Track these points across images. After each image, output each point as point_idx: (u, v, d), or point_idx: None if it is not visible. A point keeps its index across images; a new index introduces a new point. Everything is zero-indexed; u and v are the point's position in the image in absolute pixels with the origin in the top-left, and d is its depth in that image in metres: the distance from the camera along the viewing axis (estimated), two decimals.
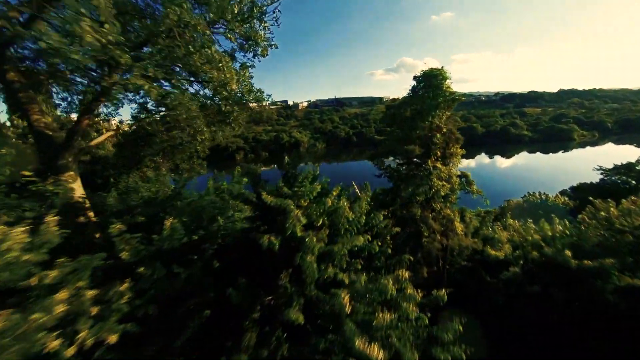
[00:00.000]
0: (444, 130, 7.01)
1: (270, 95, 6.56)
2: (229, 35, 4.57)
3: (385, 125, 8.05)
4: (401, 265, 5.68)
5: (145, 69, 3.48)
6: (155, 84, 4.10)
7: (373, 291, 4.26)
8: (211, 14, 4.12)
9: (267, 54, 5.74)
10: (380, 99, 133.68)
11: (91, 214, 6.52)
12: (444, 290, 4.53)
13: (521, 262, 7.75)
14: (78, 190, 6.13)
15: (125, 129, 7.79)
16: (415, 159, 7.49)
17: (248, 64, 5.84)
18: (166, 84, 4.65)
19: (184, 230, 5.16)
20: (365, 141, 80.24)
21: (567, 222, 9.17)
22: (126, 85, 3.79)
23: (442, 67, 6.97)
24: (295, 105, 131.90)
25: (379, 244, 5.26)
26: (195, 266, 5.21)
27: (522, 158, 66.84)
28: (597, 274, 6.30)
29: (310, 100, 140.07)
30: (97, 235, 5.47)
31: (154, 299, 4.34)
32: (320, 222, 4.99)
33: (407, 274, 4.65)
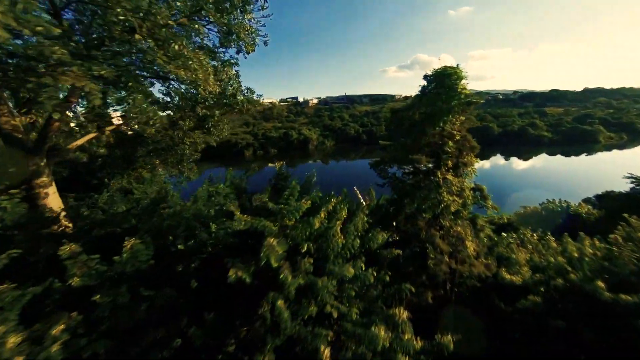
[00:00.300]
0: (457, 137, 6.11)
1: (261, 95, 5.86)
2: (197, 26, 3.89)
3: (391, 130, 7.21)
4: (401, 295, 4.92)
5: (89, 67, 2.89)
6: (113, 87, 3.54)
7: (362, 338, 3.55)
8: (178, 2, 3.48)
9: (253, 50, 5.04)
10: (392, 96, 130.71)
11: (68, 223, 6.11)
12: (449, 336, 3.76)
13: (542, 289, 6.79)
14: (52, 197, 5.71)
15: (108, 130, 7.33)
16: (423, 169, 6.64)
17: (233, 61, 5.16)
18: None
19: (152, 249, 4.62)
20: (375, 140, 78.58)
21: (597, 242, 8.10)
22: (61, 86, 3.24)
23: (458, 65, 6.05)
24: (305, 102, 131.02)
25: (375, 273, 4.52)
26: (168, 288, 4.64)
27: (541, 160, 63.43)
28: (636, 312, 5.32)
29: (320, 97, 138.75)
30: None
31: (110, 333, 3.79)
32: (306, 247, 4.29)
33: (405, 314, 3.90)
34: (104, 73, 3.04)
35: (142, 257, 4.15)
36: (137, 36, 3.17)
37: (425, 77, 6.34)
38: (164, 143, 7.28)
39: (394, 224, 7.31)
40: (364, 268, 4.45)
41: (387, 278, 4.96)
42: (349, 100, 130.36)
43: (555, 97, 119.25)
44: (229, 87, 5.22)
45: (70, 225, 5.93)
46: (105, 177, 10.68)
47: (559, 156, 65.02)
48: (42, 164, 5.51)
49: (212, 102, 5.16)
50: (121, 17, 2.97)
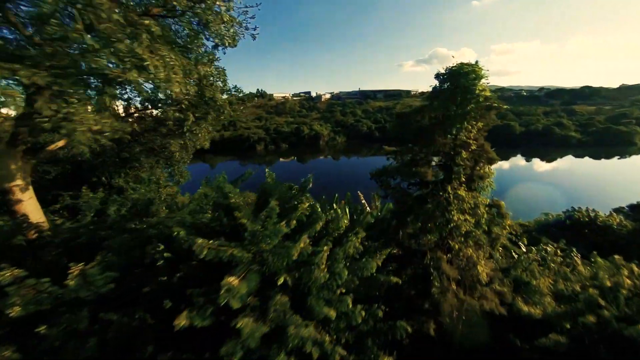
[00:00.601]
0: (473, 147, 5.22)
1: (248, 94, 5.21)
2: (147, 22, 3.25)
3: (395, 137, 6.38)
4: (395, 334, 4.22)
5: (13, 71, 2.39)
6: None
7: None
8: None
9: (234, 45, 4.39)
10: (408, 92, 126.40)
11: (45, 225, 5.82)
12: None
13: (567, 325, 5.84)
14: (27, 204, 5.39)
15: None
16: (431, 180, 5.80)
17: (209, 56, 4.52)
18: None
19: (119, 266, 4.17)
20: (388, 137, 76.48)
21: (635, 268, 6.95)
22: None
23: (477, 61, 5.11)
24: (318, 96, 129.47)
25: (364, 312, 3.84)
26: (137, 309, 4.19)
27: (567, 163, 59.21)
28: None
29: (333, 92, 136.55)
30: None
31: None
32: (283, 279, 3.67)
33: None
34: (36, 79, 2.52)
35: (99, 282, 3.68)
36: (73, 34, 2.62)
37: (438, 76, 5.44)
38: (150, 145, 6.85)
39: (397, 237, 6.56)
40: (350, 305, 3.77)
41: (381, 313, 4.26)
42: (363, 96, 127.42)
43: (587, 94, 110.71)
44: (209, 87, 4.62)
45: (49, 233, 5.64)
46: (103, 175, 10.55)
47: (587, 159, 60.43)
48: (15, 166, 5.18)
49: (187, 105, 4.60)
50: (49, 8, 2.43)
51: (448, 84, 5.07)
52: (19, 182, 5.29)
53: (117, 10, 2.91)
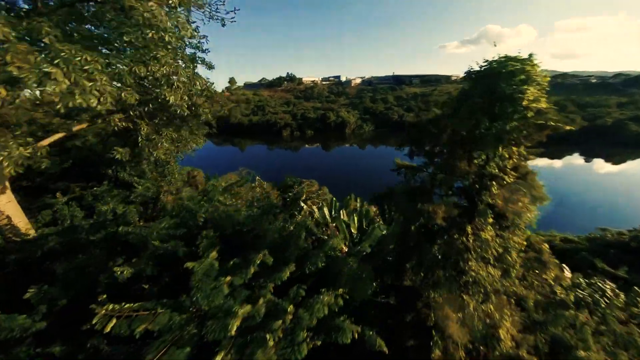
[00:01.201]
0: (509, 180, 3.70)
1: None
2: None
3: (411, 150, 5.01)
4: None
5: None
6: None
7: None
8: None
9: (192, 35, 3.37)
10: (448, 77, 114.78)
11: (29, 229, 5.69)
12: None
13: None
14: (8, 207, 5.21)
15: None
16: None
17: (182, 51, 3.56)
18: None
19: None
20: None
21: None
22: None
23: (531, 55, 3.46)
24: (348, 81, 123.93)
25: None
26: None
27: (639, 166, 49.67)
28: None
29: (364, 77, 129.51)
30: None
31: None
32: (221, 356, 2.81)
33: None
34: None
35: (16, 324, 3.18)
36: None
37: (469, 74, 3.88)
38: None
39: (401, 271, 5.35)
40: None
41: None
42: (397, 81, 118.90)
43: None
44: (168, 90, 3.73)
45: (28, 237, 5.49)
46: (109, 169, 10.64)
47: None
48: None
49: (138, 112, 3.84)
50: None
51: (480, 88, 3.53)
52: None
53: None
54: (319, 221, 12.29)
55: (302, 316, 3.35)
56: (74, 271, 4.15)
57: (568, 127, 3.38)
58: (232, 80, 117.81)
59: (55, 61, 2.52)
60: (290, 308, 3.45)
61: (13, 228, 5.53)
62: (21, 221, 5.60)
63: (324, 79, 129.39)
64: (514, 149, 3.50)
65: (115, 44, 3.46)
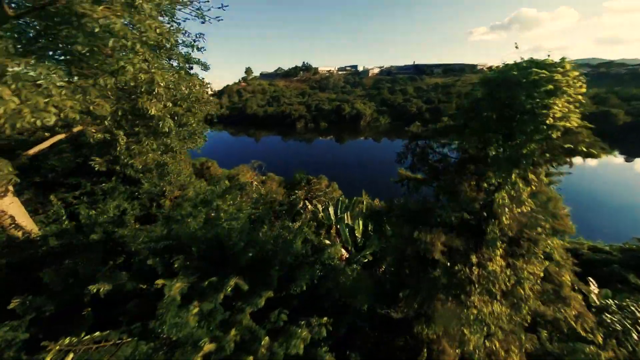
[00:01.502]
0: (525, 209, 3.11)
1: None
2: None
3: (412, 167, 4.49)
4: None
5: None
6: None
7: None
8: None
9: (165, 38, 3.01)
10: (473, 66, 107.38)
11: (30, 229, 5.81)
12: None
13: None
14: (9, 210, 5.31)
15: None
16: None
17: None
18: None
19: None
20: (439, 119, 67.42)
21: None
22: None
23: (563, 58, 2.78)
24: (365, 71, 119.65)
25: None
26: None
27: None
28: None
29: (382, 67, 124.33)
30: None
31: None
32: None
33: None
34: None
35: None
36: None
37: (484, 82, 3.23)
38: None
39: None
40: None
41: None
42: (417, 71, 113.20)
43: None
44: (147, 98, 3.46)
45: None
46: (116, 165, 10.84)
47: None
48: None
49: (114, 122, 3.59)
50: None
51: (493, 101, 2.91)
52: None
53: None
54: (323, 222, 11.98)
55: (277, 351, 3.08)
56: (60, 279, 4.12)
57: (605, 154, 2.71)
58: (248, 70, 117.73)
59: (3, 79, 2.31)
60: (266, 340, 3.18)
61: (16, 228, 5.68)
62: (24, 221, 5.74)
63: (340, 69, 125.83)
64: (532, 175, 2.88)
65: (74, 56, 3.21)
